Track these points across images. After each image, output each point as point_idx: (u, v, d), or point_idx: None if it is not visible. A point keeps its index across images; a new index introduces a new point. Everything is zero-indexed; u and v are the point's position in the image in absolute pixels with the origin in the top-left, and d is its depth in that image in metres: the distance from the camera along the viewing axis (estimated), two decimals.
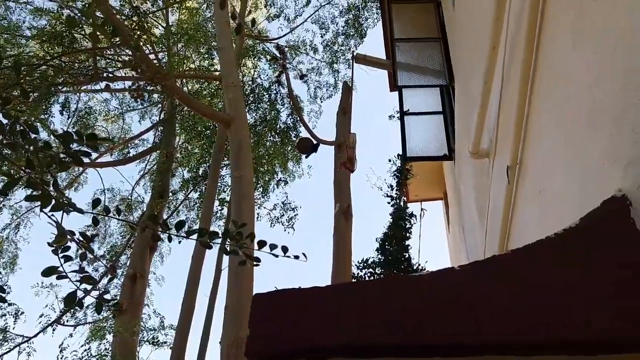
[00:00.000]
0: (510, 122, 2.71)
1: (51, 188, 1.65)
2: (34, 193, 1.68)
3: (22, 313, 9.02)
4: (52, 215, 1.67)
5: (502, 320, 1.05)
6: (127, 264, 9.70)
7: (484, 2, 3.17)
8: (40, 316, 8.88)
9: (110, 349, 8.80)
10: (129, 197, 12.48)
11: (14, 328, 8.94)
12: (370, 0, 12.75)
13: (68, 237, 1.74)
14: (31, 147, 1.61)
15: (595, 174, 1.65)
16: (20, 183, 1.67)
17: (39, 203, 1.67)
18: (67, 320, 8.48)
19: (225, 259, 7.60)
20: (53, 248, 1.76)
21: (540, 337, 0.96)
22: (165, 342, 9.78)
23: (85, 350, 9.26)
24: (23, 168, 1.60)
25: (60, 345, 8.95)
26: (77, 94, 11.37)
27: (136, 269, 8.82)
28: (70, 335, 9.42)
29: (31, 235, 12.83)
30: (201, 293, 7.54)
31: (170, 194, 11.28)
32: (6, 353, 8.86)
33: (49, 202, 1.67)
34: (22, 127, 1.65)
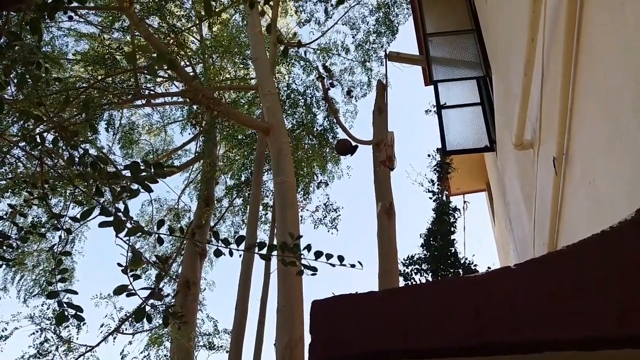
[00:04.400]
0: (553, 112, 2.69)
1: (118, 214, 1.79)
2: (107, 220, 1.82)
3: (85, 324, 9.48)
4: (128, 240, 1.81)
5: (561, 317, 1.08)
6: (179, 271, 10.04)
7: None
8: (101, 326, 9.32)
9: (168, 355, 9.15)
10: (176, 207, 12.88)
11: (77, 338, 9.41)
12: None
13: (144, 260, 1.87)
14: (101, 176, 1.74)
15: None
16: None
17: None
18: (126, 329, 8.84)
19: (274, 262, 7.75)
20: (122, 268, 1.90)
21: (607, 332, 0.98)
22: (221, 346, 10.06)
23: (144, 356, 9.67)
24: (95, 197, 1.74)
25: (121, 353, 9.37)
26: (120, 110, 11.84)
27: (188, 276, 9.13)
28: (130, 342, 9.82)
29: (85, 248, 13.41)
30: (252, 296, 7.73)
31: (215, 201, 11.58)
32: None
33: (123, 229, 1.80)
34: (92, 159, 1.79)
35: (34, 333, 9.23)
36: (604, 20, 1.95)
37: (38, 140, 1.93)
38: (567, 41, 2.31)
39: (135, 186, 1.84)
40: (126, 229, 1.85)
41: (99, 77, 9.93)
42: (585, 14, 2.16)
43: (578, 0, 2.15)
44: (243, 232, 11.82)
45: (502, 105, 4.79)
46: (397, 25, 12.72)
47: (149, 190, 1.86)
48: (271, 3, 9.41)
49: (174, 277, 9.81)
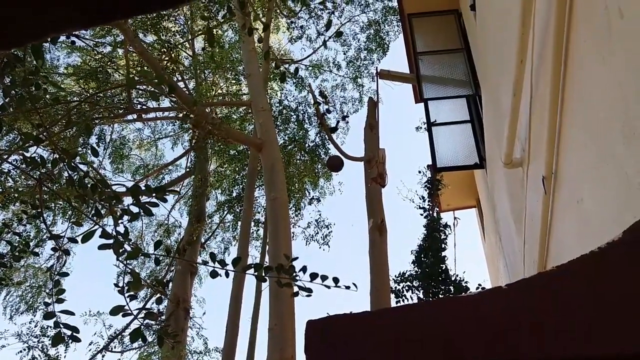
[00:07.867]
0: (542, 132, 2.75)
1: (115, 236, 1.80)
2: (106, 242, 1.82)
3: (79, 340, 9.30)
4: (126, 262, 1.81)
5: (553, 338, 1.11)
6: (169, 288, 9.95)
7: (508, 16, 3.22)
8: (90, 344, 9.19)
9: None
10: (166, 222, 12.80)
11: (65, 357, 9.25)
12: (391, 14, 12.88)
13: (144, 283, 1.87)
14: (102, 199, 1.75)
15: (634, 185, 1.68)
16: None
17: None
18: (115, 347, 8.71)
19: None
20: (119, 288, 1.89)
21: (594, 351, 1.01)
22: None
23: None
24: (94, 219, 1.75)
25: None
26: (111, 125, 11.81)
27: (179, 294, 9.07)
28: None
29: (73, 264, 13.23)
30: (243, 313, 7.67)
31: (206, 217, 11.52)
32: None
33: (123, 252, 1.80)
34: (92, 181, 1.80)
35: (21, 351, 9.07)
36: (591, 48, 2.01)
37: (37, 160, 1.94)
38: (555, 64, 2.37)
39: (135, 209, 1.85)
40: (126, 252, 1.86)
41: (91, 91, 9.92)
42: (572, 40, 2.22)
43: (565, 27, 2.21)
44: (234, 249, 11.76)
45: (491, 124, 4.86)
46: (387, 42, 12.90)
47: (150, 214, 1.88)
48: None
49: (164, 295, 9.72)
